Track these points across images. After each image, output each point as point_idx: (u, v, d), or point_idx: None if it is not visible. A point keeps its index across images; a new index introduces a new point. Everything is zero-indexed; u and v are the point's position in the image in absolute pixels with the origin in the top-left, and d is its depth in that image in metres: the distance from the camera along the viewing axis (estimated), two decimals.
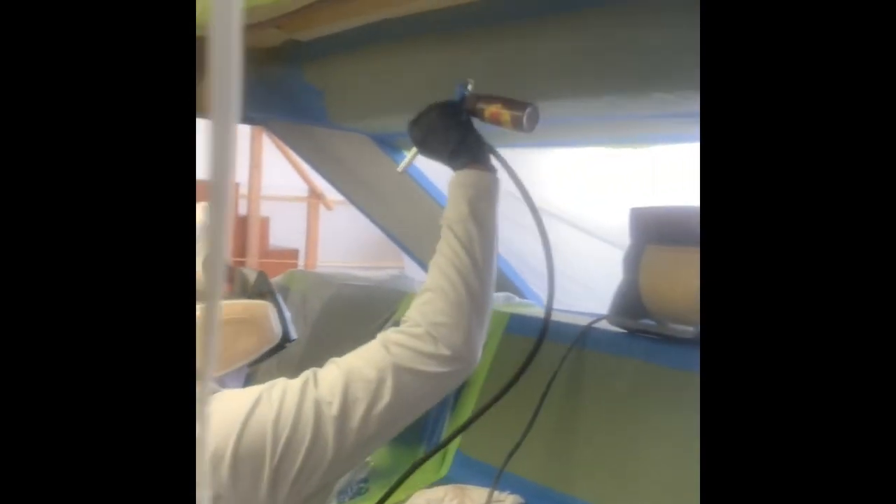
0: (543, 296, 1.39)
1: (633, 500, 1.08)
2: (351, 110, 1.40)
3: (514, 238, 1.56)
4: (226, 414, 0.88)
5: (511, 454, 1.14)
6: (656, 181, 1.91)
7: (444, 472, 1.32)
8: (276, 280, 1.82)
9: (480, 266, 0.96)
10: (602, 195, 2.02)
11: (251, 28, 1.18)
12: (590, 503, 1.12)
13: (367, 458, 1.35)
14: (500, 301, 1.64)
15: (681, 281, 1.12)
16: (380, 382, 0.89)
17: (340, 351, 0.95)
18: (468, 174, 1.00)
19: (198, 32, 0.45)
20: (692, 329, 1.12)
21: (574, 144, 1.71)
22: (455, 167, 1.02)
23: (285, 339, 1.05)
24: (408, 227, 1.99)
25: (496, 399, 1.02)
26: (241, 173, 4.85)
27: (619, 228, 1.29)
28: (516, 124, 0.97)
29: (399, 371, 0.90)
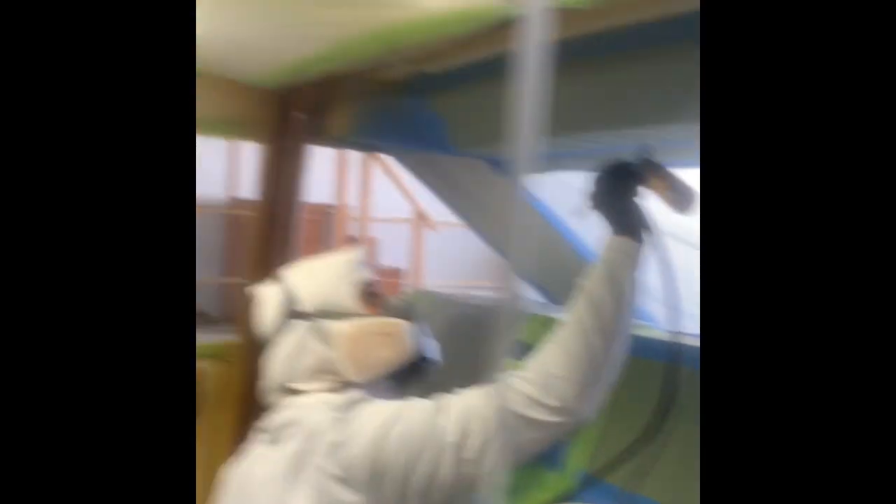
0: (659, 317, 1.39)
1: None
2: (474, 136, 1.46)
3: None
4: (368, 425, 0.96)
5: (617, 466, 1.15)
6: None
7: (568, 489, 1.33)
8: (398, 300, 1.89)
9: (608, 329, 0.98)
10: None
11: (383, 66, 1.26)
12: None
13: None
14: None
15: None
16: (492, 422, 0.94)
17: (467, 371, 0.99)
18: (618, 241, 1.02)
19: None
20: None
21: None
22: (611, 226, 1.04)
23: (424, 359, 1.13)
24: (518, 248, 2.00)
25: (649, 437, 1.05)
26: (353, 196, 5.01)
27: None
28: (675, 208, 1.04)
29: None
